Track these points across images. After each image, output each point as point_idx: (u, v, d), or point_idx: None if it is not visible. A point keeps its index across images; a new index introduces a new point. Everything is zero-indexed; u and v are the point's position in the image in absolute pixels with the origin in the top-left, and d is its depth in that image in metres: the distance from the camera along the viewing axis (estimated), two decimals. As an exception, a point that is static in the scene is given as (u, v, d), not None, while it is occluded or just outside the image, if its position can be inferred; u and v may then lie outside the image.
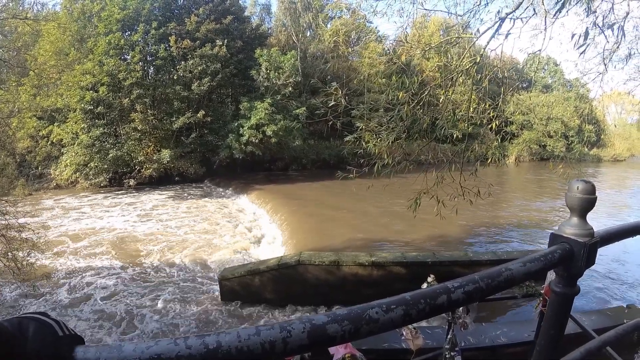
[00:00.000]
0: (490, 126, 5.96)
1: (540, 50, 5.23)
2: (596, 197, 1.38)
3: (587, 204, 1.37)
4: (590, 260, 1.35)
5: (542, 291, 3.93)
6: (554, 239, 1.39)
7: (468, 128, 5.77)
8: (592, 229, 1.37)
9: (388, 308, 0.92)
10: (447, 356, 4.02)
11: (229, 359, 0.79)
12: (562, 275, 1.40)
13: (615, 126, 64.55)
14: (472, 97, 5.59)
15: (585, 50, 4.46)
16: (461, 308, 3.95)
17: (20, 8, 11.99)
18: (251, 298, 10.36)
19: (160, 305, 10.90)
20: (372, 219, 17.56)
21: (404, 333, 4.01)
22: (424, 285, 3.90)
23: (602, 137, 61.07)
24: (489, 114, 5.83)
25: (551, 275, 3.88)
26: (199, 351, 0.78)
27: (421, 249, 12.70)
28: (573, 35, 4.45)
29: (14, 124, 30.26)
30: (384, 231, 15.70)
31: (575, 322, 3.40)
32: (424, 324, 4.60)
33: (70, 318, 10.41)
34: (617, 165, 53.33)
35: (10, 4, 11.28)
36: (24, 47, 15.03)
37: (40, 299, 11.43)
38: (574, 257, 1.32)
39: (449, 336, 4.03)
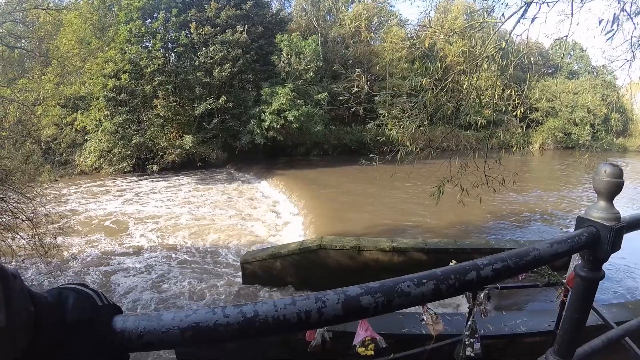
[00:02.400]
0: (515, 113, 5.88)
1: (566, 36, 5.14)
2: (623, 181, 1.38)
3: (615, 187, 1.38)
4: (616, 245, 1.35)
5: (564, 280, 3.92)
6: (581, 222, 1.40)
7: (493, 115, 5.72)
8: (618, 213, 1.38)
9: (419, 282, 0.95)
10: (466, 342, 4.03)
11: (265, 327, 0.82)
12: (588, 258, 1.41)
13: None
14: (497, 83, 5.52)
15: (613, 36, 4.37)
16: (482, 294, 3.97)
17: None
18: (272, 281, 10.46)
19: (184, 286, 11.13)
20: (394, 205, 17.54)
21: (425, 318, 4.04)
22: (448, 268, 3.91)
23: (629, 126, 59.44)
24: (514, 100, 5.76)
25: (574, 263, 3.88)
26: (236, 319, 0.81)
27: (442, 235, 12.62)
28: (601, 21, 4.36)
29: (38, 112, 30.89)
30: (405, 217, 15.67)
31: (597, 313, 3.39)
32: (444, 310, 4.60)
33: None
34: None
35: None
36: (47, 37, 15.19)
37: (67, 278, 11.65)
38: (600, 240, 1.33)
39: (469, 322, 4.04)
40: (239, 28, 31.44)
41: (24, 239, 10.58)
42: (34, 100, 14.91)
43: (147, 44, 31.67)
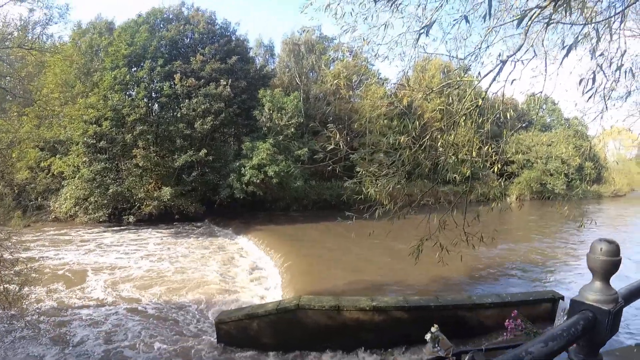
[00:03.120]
0: (492, 169, 5.86)
1: (541, 92, 5.21)
2: (621, 259, 1.24)
3: (611, 266, 1.23)
4: (614, 328, 1.20)
5: None
6: (575, 306, 1.24)
7: (469, 171, 5.68)
8: (616, 293, 1.23)
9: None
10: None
11: None
12: (584, 345, 1.24)
13: (617, 163, 65.15)
14: (475, 140, 5.52)
15: (593, 94, 4.43)
16: (467, 357, 3.79)
17: (29, 37, 12.10)
18: (248, 342, 10.13)
19: (156, 346, 10.64)
20: (373, 260, 17.37)
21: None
22: (427, 336, 3.73)
23: (602, 173, 61.52)
24: (491, 156, 5.76)
25: (560, 319, 3.73)
26: None
27: (423, 292, 12.46)
28: (581, 81, 4.43)
29: (14, 155, 30.50)
30: (385, 273, 15.54)
31: None
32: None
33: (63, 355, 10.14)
34: (618, 201, 53.46)
35: (15, 32, 11.37)
36: (28, 77, 15.11)
37: (31, 332, 11.22)
38: (598, 326, 1.17)
39: (452, 391, 3.82)
40: (223, 82, 31.90)
41: None
42: (9, 141, 14.62)
43: (130, 92, 31.82)
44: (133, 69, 32.03)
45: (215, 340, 10.54)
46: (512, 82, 4.59)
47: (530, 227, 28.66)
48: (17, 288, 11.04)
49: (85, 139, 29.63)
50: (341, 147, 5.46)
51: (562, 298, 10.30)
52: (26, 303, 11.56)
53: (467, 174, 5.54)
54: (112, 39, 32.20)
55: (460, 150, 5.62)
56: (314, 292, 11.70)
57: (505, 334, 3.73)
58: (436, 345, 3.72)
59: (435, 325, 3.77)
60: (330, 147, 5.60)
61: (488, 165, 6.00)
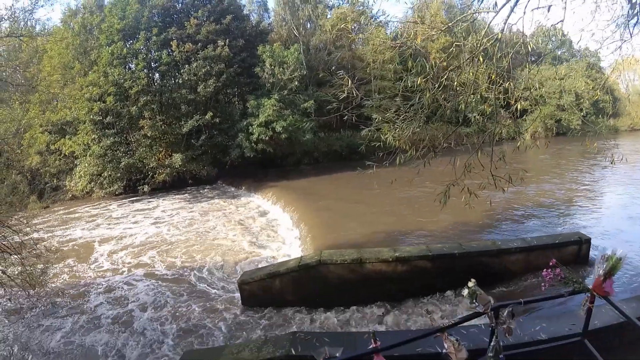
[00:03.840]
0: (515, 107, 5.51)
1: (562, 21, 4.80)
2: None
3: None
4: None
5: (591, 287, 3.58)
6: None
7: (490, 109, 5.36)
8: None
9: None
10: (490, 364, 3.68)
11: None
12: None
13: (629, 96, 62.81)
14: (493, 77, 5.18)
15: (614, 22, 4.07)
16: (506, 312, 3.60)
17: (20, 25, 11.77)
18: (272, 301, 10.12)
19: (181, 310, 10.74)
20: (394, 210, 17.05)
21: (446, 346, 3.67)
22: (465, 291, 3.54)
23: (618, 106, 59.45)
24: (511, 92, 5.42)
25: (599, 269, 3.53)
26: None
27: (446, 239, 12.22)
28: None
29: (25, 142, 31.02)
30: (405, 222, 15.24)
31: (619, 311, 3.27)
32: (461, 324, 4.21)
33: (92, 326, 10.35)
34: (635, 135, 51.80)
35: (4, 24, 11.02)
36: (25, 65, 14.88)
37: (59, 314, 11.34)
38: None
39: (492, 343, 3.67)
40: (220, 43, 31.27)
41: (7, 274, 10.21)
42: (15, 130, 14.61)
43: (129, 65, 31.68)
44: (129, 42, 31.76)
45: (239, 300, 10.58)
46: (532, 10, 4.21)
47: (546, 166, 27.91)
48: (40, 271, 11.19)
49: (91, 116, 29.90)
50: (355, 94, 5.15)
51: (589, 240, 10.00)
52: (47, 280, 11.71)
53: (489, 113, 5.24)
54: (104, 16, 31.78)
55: (479, 88, 5.30)
56: (334, 246, 11.62)
57: (542, 284, 3.56)
58: (474, 300, 3.51)
59: (473, 280, 3.56)
60: (343, 96, 5.29)
61: (509, 102, 5.68)
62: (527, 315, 7.33)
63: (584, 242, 9.91)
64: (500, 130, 6.22)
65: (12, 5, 11.84)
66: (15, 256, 10.39)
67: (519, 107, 5.32)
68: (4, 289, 10.27)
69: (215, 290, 11.91)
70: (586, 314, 3.76)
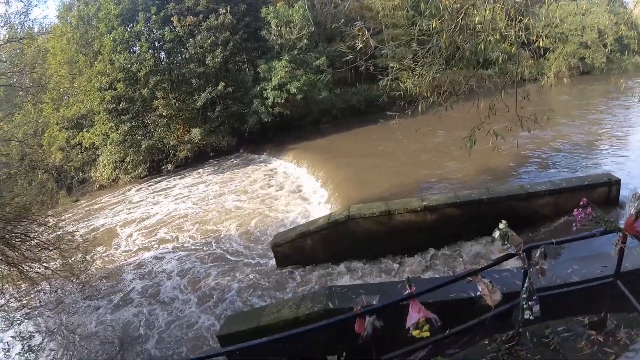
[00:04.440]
0: (536, 44, 5.30)
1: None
2: None
3: None
4: None
5: (622, 227, 3.52)
6: None
7: (513, 48, 5.17)
8: None
9: None
10: (524, 306, 3.71)
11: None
12: None
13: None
14: (512, 13, 4.98)
15: None
16: (538, 253, 3.59)
17: (19, 29, 11.84)
18: (305, 260, 10.37)
19: (216, 277, 11.16)
20: (417, 160, 16.91)
21: (480, 288, 3.70)
22: (496, 233, 3.52)
23: (642, 42, 56.26)
24: (532, 30, 5.22)
25: (631, 208, 3.44)
26: None
27: (473, 186, 12.05)
28: None
29: (45, 140, 31.77)
30: (431, 171, 15.14)
31: None
32: (495, 267, 4.22)
33: (142, 304, 10.76)
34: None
35: (1, 31, 11.13)
36: (31, 67, 15.05)
37: (102, 298, 11.78)
38: None
39: (525, 285, 3.67)
40: (222, 11, 30.59)
41: (48, 268, 10.66)
42: (33, 131, 15.09)
43: (134, 48, 31.44)
44: (129, 26, 31.43)
45: (274, 262, 10.85)
46: None
47: (569, 106, 26.82)
48: (80, 260, 11.64)
49: (104, 105, 30.13)
50: (371, 43, 5.01)
51: (619, 182, 9.71)
52: (87, 268, 12.17)
53: (510, 52, 5.05)
54: (100, 4, 31.40)
55: (498, 26, 5.11)
56: (362, 201, 11.64)
57: (574, 224, 3.50)
58: (506, 242, 3.48)
59: (504, 222, 3.52)
60: (358, 47, 5.17)
61: (529, 40, 5.46)
62: (559, 258, 7.31)
63: (613, 184, 9.63)
64: (523, 70, 5.98)
65: (6, 10, 11.90)
66: (55, 250, 10.80)
67: (540, 44, 5.12)
68: (49, 283, 10.69)
69: (249, 255, 12.21)
70: (618, 254, 3.71)
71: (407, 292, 3.67)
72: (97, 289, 12.23)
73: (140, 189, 27.32)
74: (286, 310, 6.31)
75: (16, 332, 9.28)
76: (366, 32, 4.85)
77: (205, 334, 8.86)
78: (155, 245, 15.05)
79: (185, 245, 14.27)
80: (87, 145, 32.76)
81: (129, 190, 27.79)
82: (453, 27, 4.76)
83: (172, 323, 9.55)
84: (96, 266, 14.14)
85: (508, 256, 3.61)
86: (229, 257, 12.49)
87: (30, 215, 10.96)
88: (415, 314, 3.60)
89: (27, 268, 10.15)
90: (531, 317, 3.72)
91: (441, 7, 4.69)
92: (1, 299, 10.74)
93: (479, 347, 4.22)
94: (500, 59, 5.27)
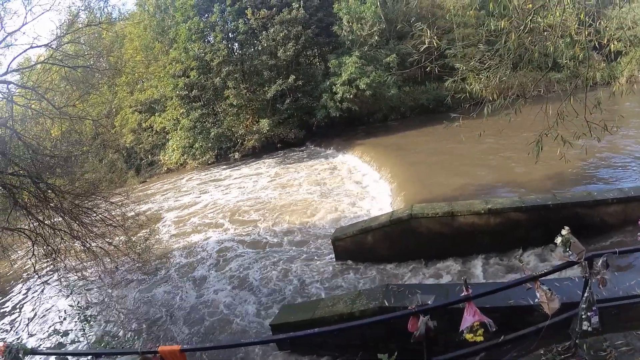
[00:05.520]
0: (608, 47, 5.08)
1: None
2: None
3: None
4: None
5: None
6: None
7: (583, 53, 4.98)
8: None
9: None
10: (583, 316, 3.60)
11: None
12: None
13: None
14: (582, 16, 4.79)
15: None
16: (600, 262, 3.48)
17: (99, 14, 12.60)
18: (365, 256, 10.36)
19: (279, 268, 11.30)
20: (484, 162, 16.48)
21: (538, 295, 3.62)
22: (558, 240, 3.45)
23: None
24: (603, 32, 5.00)
25: None
26: None
27: (538, 190, 11.62)
28: None
29: (117, 122, 33.59)
30: (496, 174, 14.73)
31: None
32: (552, 276, 4.11)
33: (204, 289, 11.14)
34: None
35: (82, 15, 11.84)
36: (108, 51, 15.88)
37: (159, 278, 12.38)
38: None
39: (585, 294, 3.57)
40: (295, 5, 31.09)
41: (111, 244, 11.21)
42: (107, 112, 15.99)
43: (208, 38, 32.49)
44: (205, 16, 32.50)
45: (334, 256, 10.89)
46: None
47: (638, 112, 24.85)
48: (143, 239, 12.19)
49: (177, 92, 31.36)
50: (435, 44, 5.00)
51: None
52: (147, 247, 12.74)
53: (580, 56, 4.86)
54: (177, -7, 32.62)
55: (568, 29, 4.94)
56: (425, 200, 11.51)
57: (638, 234, 3.37)
58: (567, 249, 3.40)
59: (566, 228, 3.44)
60: (423, 47, 5.17)
61: (601, 44, 5.24)
62: (623, 269, 6.96)
63: (685, 194, 8.95)
64: (594, 75, 5.72)
65: None
66: (120, 227, 11.35)
67: (612, 48, 4.90)
68: (111, 258, 11.27)
69: (308, 248, 12.39)
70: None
71: (463, 294, 3.65)
72: (160, 269, 12.80)
73: (207, 174, 28.38)
74: (341, 305, 6.39)
75: (74, 302, 9.75)
76: (428, 33, 4.84)
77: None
78: (217, 231, 15.62)
79: (253, 235, 14.66)
80: (157, 129, 34.34)
81: (198, 174, 28.90)
82: (522, 28, 4.66)
83: (231, 306, 9.89)
84: (162, 246, 14.81)
85: (569, 264, 3.52)
86: (286, 247, 12.75)
87: (98, 192, 11.55)
88: (470, 317, 3.57)
89: (91, 242, 10.67)
90: (589, 329, 3.60)
91: (510, 7, 4.61)
92: (63, 270, 11.31)
93: (534, 357, 4.14)
94: (570, 62, 5.09)
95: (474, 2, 30.82)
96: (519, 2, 4.83)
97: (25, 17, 9.84)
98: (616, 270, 6.33)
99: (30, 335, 10.39)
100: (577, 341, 3.96)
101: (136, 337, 8.69)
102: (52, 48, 10.80)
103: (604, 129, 4.96)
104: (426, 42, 5.25)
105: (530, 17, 4.70)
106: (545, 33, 4.82)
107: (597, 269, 3.47)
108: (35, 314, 11.68)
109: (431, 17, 35.66)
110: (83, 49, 12.83)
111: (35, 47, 10.55)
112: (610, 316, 3.91)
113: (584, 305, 3.57)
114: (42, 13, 10.17)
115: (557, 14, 4.63)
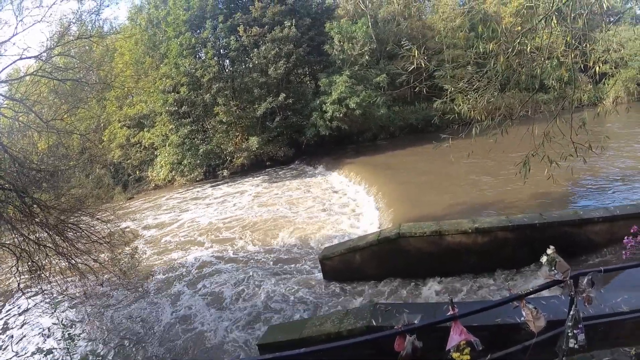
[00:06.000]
0: (594, 69, 5.19)
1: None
2: None
3: None
4: None
5: None
6: None
7: (568, 74, 5.09)
8: None
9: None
10: (569, 334, 3.61)
11: None
12: None
13: None
14: (568, 39, 4.91)
15: None
16: (585, 280, 3.51)
17: (89, 27, 12.56)
18: (353, 275, 10.32)
19: (265, 287, 11.17)
20: (471, 182, 16.64)
21: (524, 313, 3.64)
22: (543, 259, 3.48)
23: None
24: (590, 55, 5.12)
25: None
26: None
27: (525, 209, 11.75)
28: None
29: (106, 136, 33.37)
30: (484, 194, 14.91)
31: None
32: (539, 294, 4.13)
33: (180, 306, 11.04)
34: None
35: (73, 27, 11.77)
36: (98, 64, 15.82)
37: (146, 298, 12.20)
38: None
39: (571, 312, 3.59)
40: (287, 23, 31.42)
41: (97, 261, 11.04)
42: (95, 127, 15.79)
43: (199, 54, 32.63)
44: (196, 32, 32.72)
45: (321, 275, 10.85)
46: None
47: (626, 132, 25.28)
48: (128, 256, 12.04)
49: (167, 107, 31.30)
50: (423, 64, 5.09)
51: None
52: (133, 265, 12.57)
53: (566, 78, 4.97)
54: (169, 9, 32.80)
55: (555, 52, 5.05)
56: (413, 220, 11.57)
57: (624, 252, 3.41)
58: (553, 268, 3.44)
59: (552, 247, 3.48)
60: (412, 67, 5.24)
61: (587, 66, 5.35)
62: (608, 286, 7.02)
63: (670, 212, 9.11)
64: (580, 96, 5.84)
65: (79, 8, 12.55)
66: (106, 244, 11.19)
67: (598, 70, 5.02)
68: (96, 275, 11.09)
69: (296, 267, 12.32)
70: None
71: (450, 313, 3.65)
72: (143, 286, 12.59)
73: (195, 191, 28.23)
74: (329, 324, 6.35)
75: (58, 320, 9.54)
76: (416, 53, 4.92)
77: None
78: (204, 249, 15.55)
79: (239, 253, 14.56)
80: (146, 145, 34.13)
81: (185, 191, 28.76)
82: (510, 50, 4.76)
83: (219, 322, 9.78)
84: (145, 264, 14.61)
85: (555, 282, 3.55)
86: (273, 266, 12.68)
87: (84, 208, 11.26)
88: (456, 336, 3.56)
89: (76, 259, 10.35)
90: (576, 346, 3.60)
91: (499, 30, 4.71)
92: (47, 286, 10.95)
93: (520, 375, 4.14)
94: (557, 84, 5.20)
95: (464, 25, 31.49)
96: (506, 26, 4.94)
97: (16, 28, 9.75)
98: (602, 288, 6.38)
99: (16, 355, 10.16)
100: (564, 359, 3.97)
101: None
102: (41, 60, 10.70)
103: (588, 149, 5.04)
104: (415, 63, 5.33)
105: (519, 40, 4.81)
106: (532, 55, 4.93)
107: (582, 287, 3.50)
108: (20, 332, 11.43)
109: (422, 38, 36.26)
110: (73, 61, 12.74)
111: (25, 58, 10.41)
112: (597, 333, 3.92)
113: (570, 323, 3.59)
114: (33, 24, 10.05)
115: (545, 36, 4.73)
